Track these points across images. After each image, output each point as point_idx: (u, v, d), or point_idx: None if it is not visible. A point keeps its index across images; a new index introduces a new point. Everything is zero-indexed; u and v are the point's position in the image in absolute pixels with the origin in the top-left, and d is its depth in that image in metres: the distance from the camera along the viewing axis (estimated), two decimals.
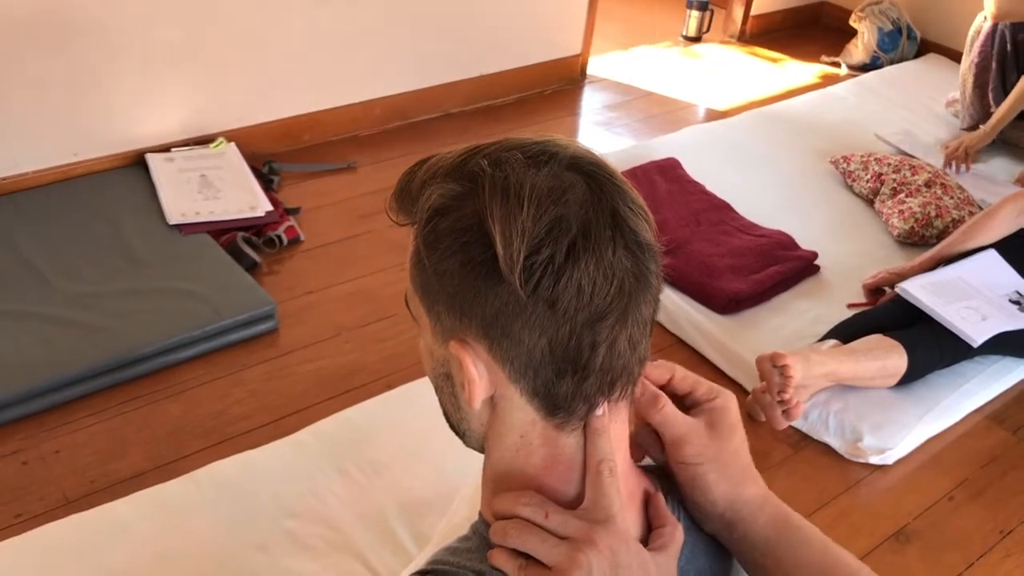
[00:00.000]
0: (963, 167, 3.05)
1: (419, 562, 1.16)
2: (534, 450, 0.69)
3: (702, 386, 0.77)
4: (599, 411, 0.68)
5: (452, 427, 0.75)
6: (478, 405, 0.67)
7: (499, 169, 0.64)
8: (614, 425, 0.69)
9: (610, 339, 0.64)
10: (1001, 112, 3.06)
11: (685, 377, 0.77)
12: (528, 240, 0.61)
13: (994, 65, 3.14)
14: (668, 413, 0.74)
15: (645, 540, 0.72)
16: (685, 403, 0.77)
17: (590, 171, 0.65)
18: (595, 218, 0.63)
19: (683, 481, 0.76)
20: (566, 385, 0.65)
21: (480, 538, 0.71)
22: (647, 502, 0.74)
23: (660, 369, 0.76)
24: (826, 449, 2.06)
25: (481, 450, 0.73)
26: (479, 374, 0.66)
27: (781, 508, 0.77)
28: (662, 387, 0.76)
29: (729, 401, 0.77)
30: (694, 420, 0.75)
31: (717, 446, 0.74)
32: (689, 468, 0.75)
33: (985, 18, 3.13)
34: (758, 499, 0.76)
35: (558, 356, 0.64)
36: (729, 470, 0.75)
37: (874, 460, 2.02)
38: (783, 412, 1.96)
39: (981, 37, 3.16)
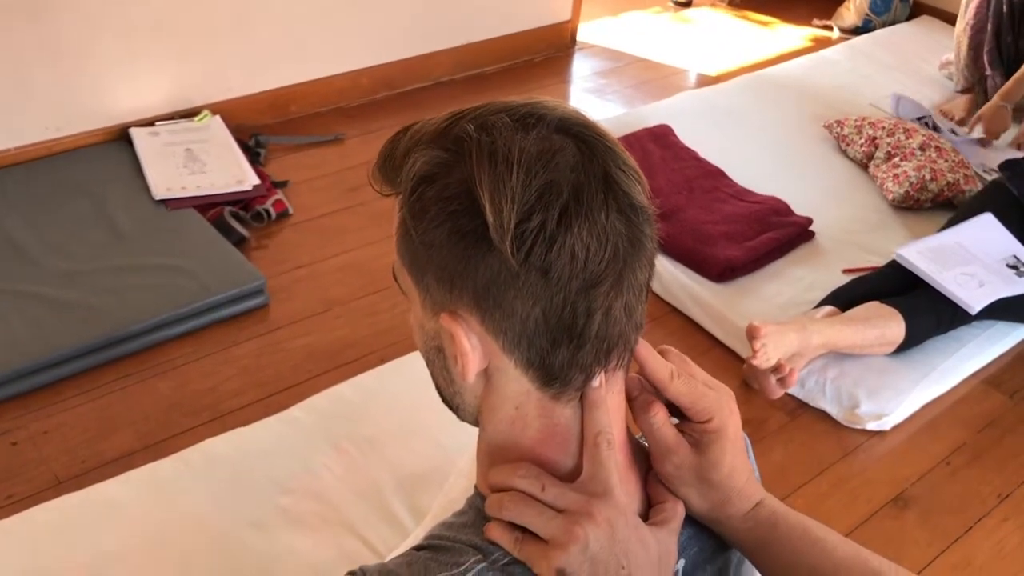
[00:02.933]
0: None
1: (416, 537, 1.15)
2: (530, 422, 0.67)
3: (700, 402, 0.70)
4: (595, 382, 0.66)
5: (445, 401, 0.73)
6: (472, 378, 0.65)
7: (486, 134, 0.62)
8: (611, 396, 0.67)
9: (605, 306, 0.62)
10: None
11: (684, 393, 0.70)
12: (518, 207, 0.59)
13: (989, 27, 3.11)
14: (656, 423, 0.70)
15: (645, 515, 0.70)
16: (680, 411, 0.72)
17: (580, 133, 0.63)
18: (587, 181, 0.61)
19: (666, 484, 0.72)
20: (561, 354, 0.63)
21: (476, 511, 0.70)
22: (647, 477, 0.72)
23: (662, 370, 0.69)
24: (823, 416, 2.06)
25: (475, 424, 0.71)
26: (472, 346, 0.64)
27: (772, 512, 0.73)
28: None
29: (726, 423, 0.70)
30: (681, 439, 0.70)
31: (700, 471, 0.70)
32: (667, 480, 0.72)
33: None
34: (740, 514, 0.73)
35: (552, 325, 0.62)
36: (710, 494, 0.71)
37: (871, 426, 2.02)
38: (778, 380, 1.95)
39: None
